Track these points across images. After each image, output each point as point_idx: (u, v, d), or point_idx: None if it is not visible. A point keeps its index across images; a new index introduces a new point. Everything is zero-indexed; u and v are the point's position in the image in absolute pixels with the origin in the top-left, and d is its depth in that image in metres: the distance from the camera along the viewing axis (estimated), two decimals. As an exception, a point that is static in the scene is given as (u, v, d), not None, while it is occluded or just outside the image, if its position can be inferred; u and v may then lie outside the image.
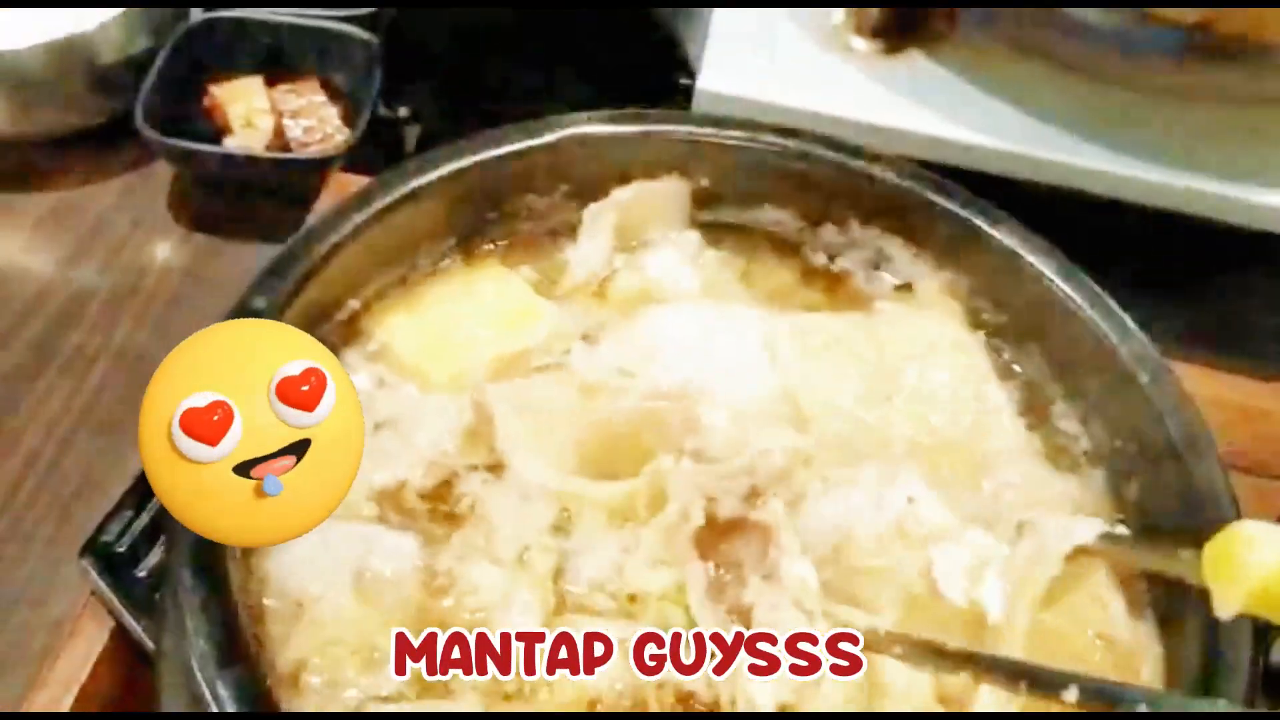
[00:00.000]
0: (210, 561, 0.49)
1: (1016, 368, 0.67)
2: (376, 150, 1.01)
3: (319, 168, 0.94)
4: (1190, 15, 0.82)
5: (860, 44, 0.96)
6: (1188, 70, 0.93)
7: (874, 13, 0.95)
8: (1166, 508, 0.58)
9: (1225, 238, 0.91)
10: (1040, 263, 0.64)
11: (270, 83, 1.04)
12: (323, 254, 0.59)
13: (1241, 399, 0.86)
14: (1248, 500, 0.82)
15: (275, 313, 0.57)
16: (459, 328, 0.65)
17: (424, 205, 0.63)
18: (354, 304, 0.62)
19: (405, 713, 0.51)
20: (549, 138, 0.66)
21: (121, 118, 0.98)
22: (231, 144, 0.99)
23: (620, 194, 0.70)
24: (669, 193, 0.72)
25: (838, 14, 0.98)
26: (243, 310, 0.56)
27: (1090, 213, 0.91)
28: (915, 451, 0.60)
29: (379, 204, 0.61)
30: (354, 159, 0.98)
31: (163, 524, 0.53)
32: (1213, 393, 0.85)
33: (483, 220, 0.69)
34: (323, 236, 0.59)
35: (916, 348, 0.63)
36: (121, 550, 0.65)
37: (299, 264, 0.58)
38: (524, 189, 0.68)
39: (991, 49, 0.95)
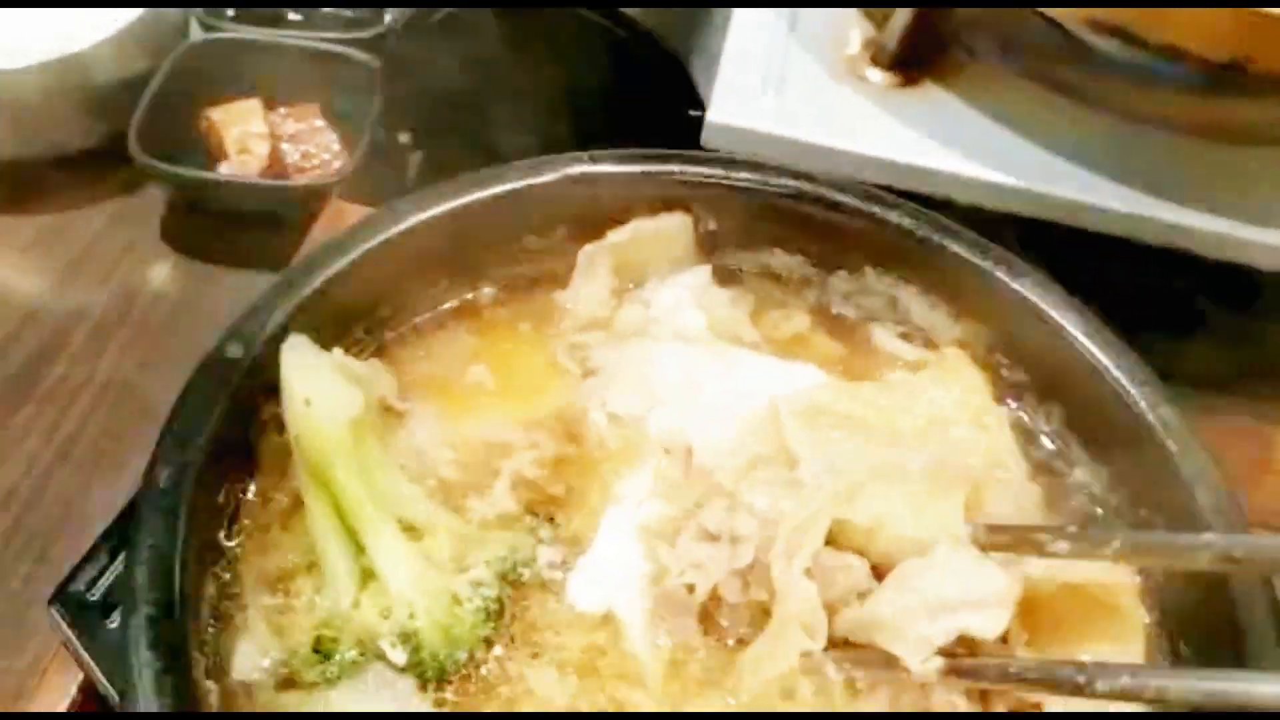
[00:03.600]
0: (169, 633, 0.46)
1: (1038, 429, 0.64)
2: (377, 177, 0.98)
3: (314, 196, 0.91)
4: (1222, 54, 0.79)
5: (875, 76, 0.92)
6: (1216, 108, 0.90)
7: (890, 43, 0.92)
8: (1194, 587, 0.54)
9: (1258, 282, 0.88)
10: (1064, 318, 0.61)
11: (269, 106, 1.01)
12: (304, 298, 0.56)
13: (1269, 454, 0.83)
14: None
15: (250, 360, 0.54)
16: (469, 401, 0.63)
17: (414, 246, 0.61)
18: (337, 352, 0.58)
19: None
20: (548, 177, 0.63)
21: (116, 140, 0.95)
22: (226, 169, 0.96)
23: (616, 235, 0.67)
24: (671, 231, 0.69)
25: (853, 44, 0.94)
26: (217, 358, 0.53)
27: (1112, 254, 0.87)
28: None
29: (367, 245, 0.58)
30: (353, 186, 0.95)
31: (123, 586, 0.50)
32: (1242, 450, 0.83)
33: (478, 261, 0.66)
34: (304, 280, 0.56)
35: (933, 426, 0.59)
36: (94, 599, 0.62)
37: (276, 310, 0.55)
38: (522, 230, 0.65)
39: (1012, 83, 0.92)
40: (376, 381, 0.58)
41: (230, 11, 1.09)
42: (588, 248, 0.67)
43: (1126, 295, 0.84)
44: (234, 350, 0.53)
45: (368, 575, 0.52)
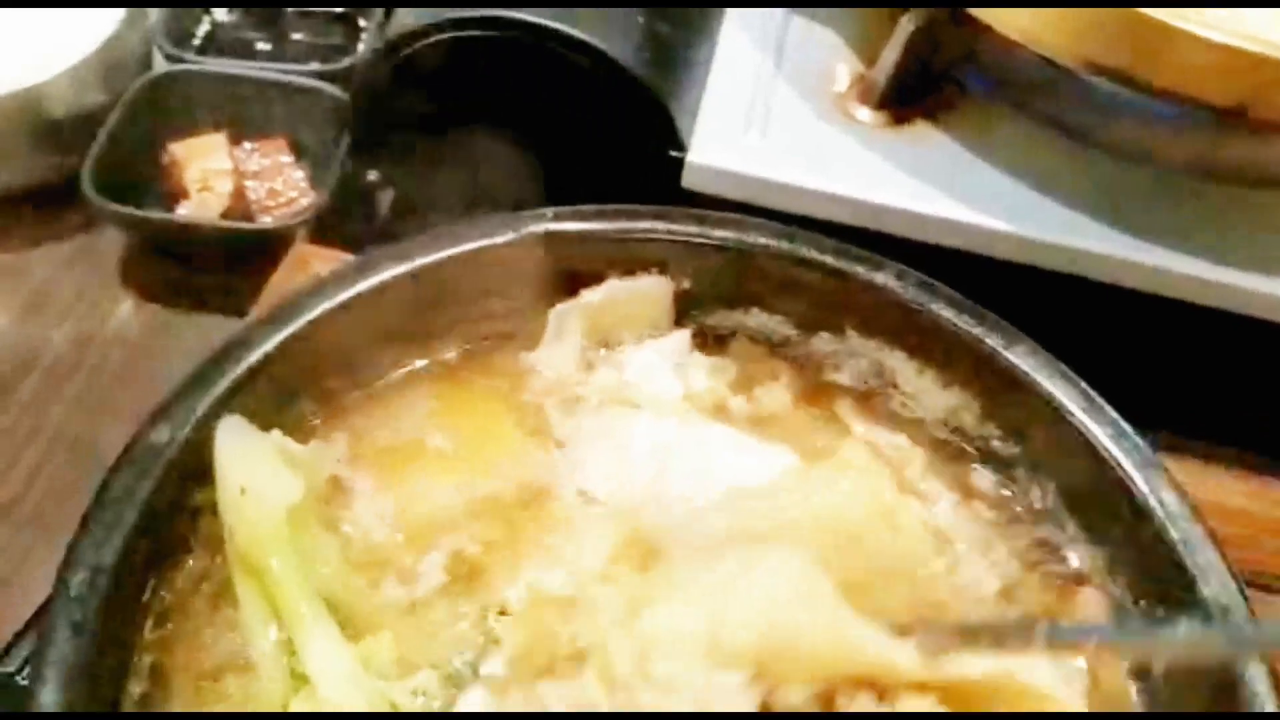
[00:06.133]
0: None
1: (1030, 506, 0.60)
2: (345, 216, 0.95)
3: (278, 238, 0.87)
4: (1222, 98, 0.75)
5: (864, 114, 0.89)
6: (1218, 151, 0.86)
7: (880, 79, 0.88)
8: (1193, 677, 0.51)
9: (1257, 332, 0.84)
10: (1059, 390, 0.57)
11: (235, 141, 0.97)
12: (240, 375, 0.52)
13: (1266, 509, 0.80)
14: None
15: (181, 444, 0.50)
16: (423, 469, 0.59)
17: (361, 315, 0.57)
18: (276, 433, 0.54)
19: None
20: (507, 237, 0.59)
21: (73, 177, 0.91)
22: (185, 208, 0.92)
23: (589, 295, 0.63)
24: (647, 291, 0.65)
25: (841, 81, 0.91)
26: (141, 444, 0.49)
27: (1112, 303, 0.83)
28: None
29: (308, 316, 0.54)
30: (321, 225, 0.92)
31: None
32: (1238, 504, 0.80)
33: (434, 326, 0.62)
34: (240, 355, 0.52)
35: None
36: (24, 683, 0.58)
37: (209, 388, 0.51)
38: (481, 292, 0.62)
39: (1007, 122, 0.88)
40: (319, 464, 0.54)
41: (196, 40, 1.05)
42: (559, 307, 0.64)
43: (1130, 346, 0.81)
44: (160, 435, 0.49)
45: (301, 678, 0.48)
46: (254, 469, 0.50)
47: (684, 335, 0.65)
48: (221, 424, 0.50)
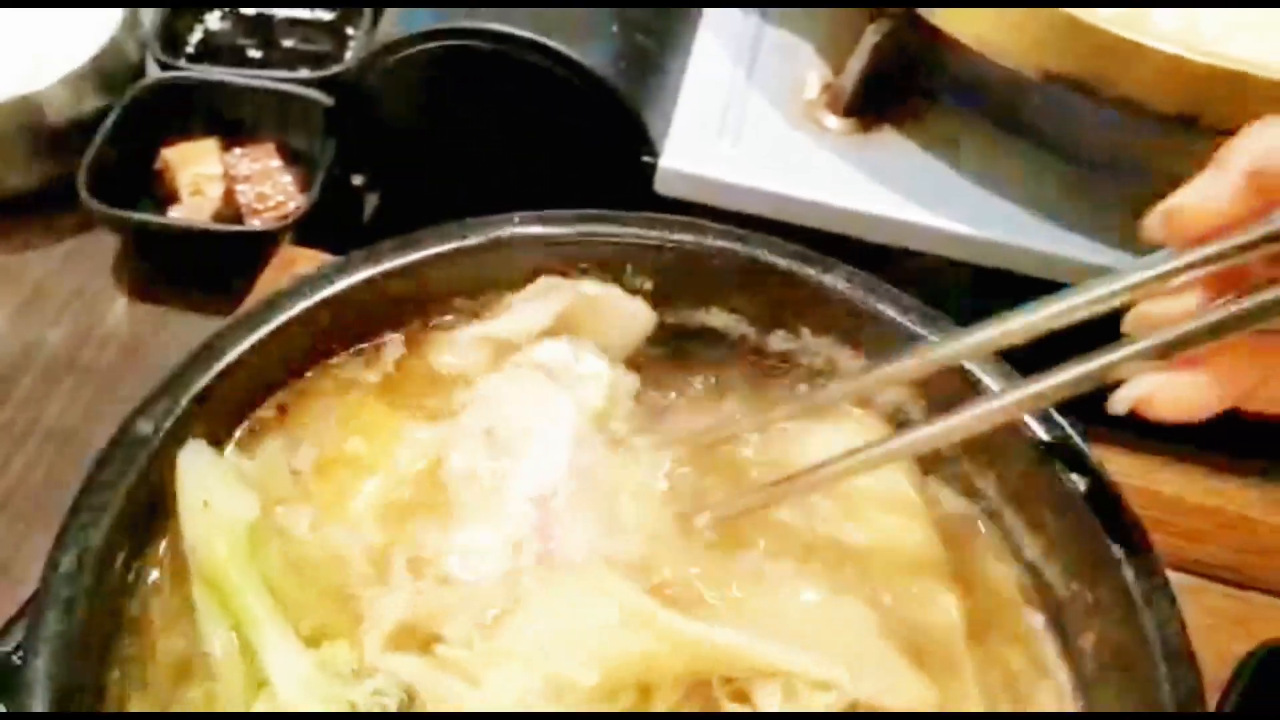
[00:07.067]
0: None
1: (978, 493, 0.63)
2: (332, 219, 0.98)
3: (265, 240, 0.90)
4: (1176, 107, 0.77)
5: (833, 122, 0.92)
6: (1178, 158, 0.88)
7: (846, 88, 0.91)
8: (1120, 665, 0.54)
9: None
10: (993, 384, 0.60)
11: (226, 146, 1.00)
12: (220, 370, 0.55)
13: (1222, 504, 0.83)
14: (1228, 617, 0.78)
15: (164, 437, 0.53)
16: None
17: (341, 311, 0.60)
18: (246, 425, 0.57)
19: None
20: (475, 240, 0.62)
21: (69, 180, 0.95)
22: (177, 212, 0.95)
23: (587, 287, 0.65)
24: (628, 315, 0.67)
25: (811, 89, 0.94)
26: (125, 438, 0.52)
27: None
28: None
29: (285, 316, 0.57)
30: (308, 228, 0.95)
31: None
32: (1195, 500, 0.82)
33: (400, 324, 0.65)
34: (220, 352, 0.55)
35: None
36: (19, 663, 0.61)
37: (194, 381, 0.54)
38: (449, 292, 0.65)
39: (972, 129, 0.91)
40: (270, 477, 0.57)
41: (189, 47, 1.08)
42: (551, 279, 0.65)
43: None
44: (144, 427, 0.52)
45: (262, 682, 0.51)
46: (213, 488, 0.53)
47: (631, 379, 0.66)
48: (185, 448, 0.54)
